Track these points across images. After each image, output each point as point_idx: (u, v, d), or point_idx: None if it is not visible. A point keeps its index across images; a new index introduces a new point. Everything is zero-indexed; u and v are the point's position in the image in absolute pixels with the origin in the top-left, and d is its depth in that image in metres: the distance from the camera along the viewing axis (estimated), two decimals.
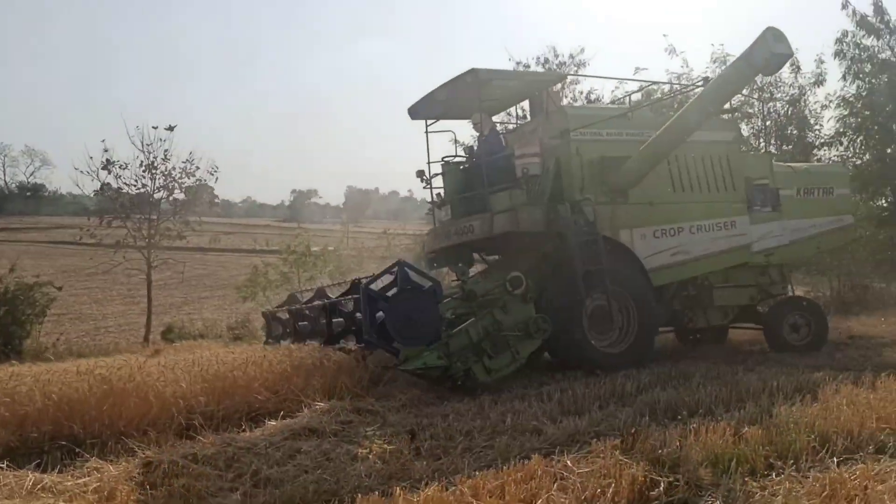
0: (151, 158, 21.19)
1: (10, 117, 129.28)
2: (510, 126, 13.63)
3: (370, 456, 5.57)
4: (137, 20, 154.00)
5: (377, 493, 4.62)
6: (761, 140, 20.87)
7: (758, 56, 8.96)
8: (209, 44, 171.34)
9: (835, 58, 19.83)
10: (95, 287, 35.57)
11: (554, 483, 4.63)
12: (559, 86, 20.39)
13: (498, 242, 10.61)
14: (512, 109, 14.49)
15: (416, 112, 11.94)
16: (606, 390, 7.85)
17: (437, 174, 11.72)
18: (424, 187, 11.83)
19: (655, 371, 9.01)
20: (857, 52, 19.52)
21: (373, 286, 8.13)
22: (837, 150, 20.85)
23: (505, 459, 5.38)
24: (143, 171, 21.18)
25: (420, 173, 11.65)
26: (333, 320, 9.51)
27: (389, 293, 8.08)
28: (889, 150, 19.49)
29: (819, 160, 20.54)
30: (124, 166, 21.32)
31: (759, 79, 19.65)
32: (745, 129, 20.91)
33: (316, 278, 20.31)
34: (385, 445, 5.86)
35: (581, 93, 22.83)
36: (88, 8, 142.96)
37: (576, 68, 22.63)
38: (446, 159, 11.75)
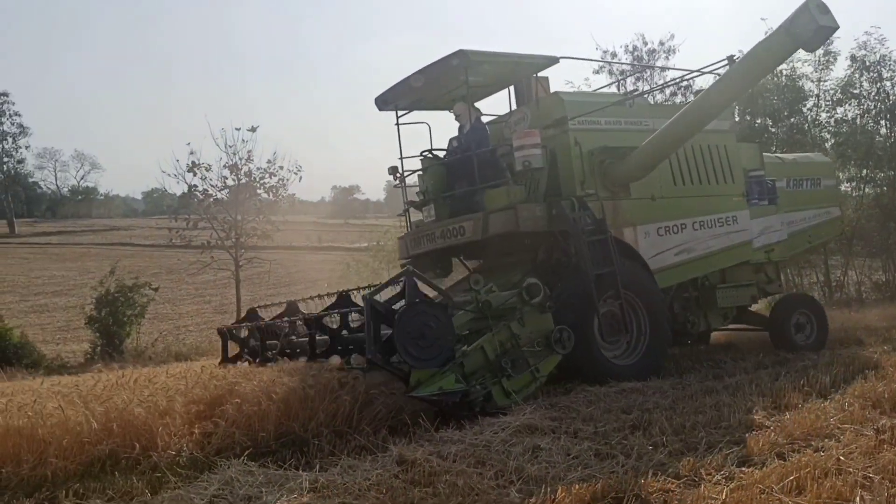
0: (235, 160, 21.47)
1: (59, 123, 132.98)
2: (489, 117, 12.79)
3: (617, 454, 5.46)
4: (180, 22, 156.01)
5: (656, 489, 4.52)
6: (869, 121, 20.26)
7: (801, 28, 7.81)
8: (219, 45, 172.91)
9: None
10: (164, 287, 36.12)
11: (843, 477, 4.48)
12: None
13: (488, 245, 9.46)
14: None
15: (384, 102, 10.64)
16: (798, 382, 7.66)
17: (411, 171, 10.61)
18: (396, 185, 10.70)
19: (834, 364, 8.77)
20: None
21: (378, 297, 6.99)
22: None
23: (761, 456, 5.25)
24: (228, 173, 21.48)
25: (393, 170, 10.40)
26: (318, 337, 8.21)
27: (396, 306, 6.92)
28: None
29: None
30: (209, 168, 21.67)
31: (864, 58, 19.12)
32: (852, 110, 20.50)
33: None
34: (623, 441, 5.76)
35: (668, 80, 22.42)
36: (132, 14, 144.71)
37: (666, 56, 22.34)
38: (427, 154, 10.43)
